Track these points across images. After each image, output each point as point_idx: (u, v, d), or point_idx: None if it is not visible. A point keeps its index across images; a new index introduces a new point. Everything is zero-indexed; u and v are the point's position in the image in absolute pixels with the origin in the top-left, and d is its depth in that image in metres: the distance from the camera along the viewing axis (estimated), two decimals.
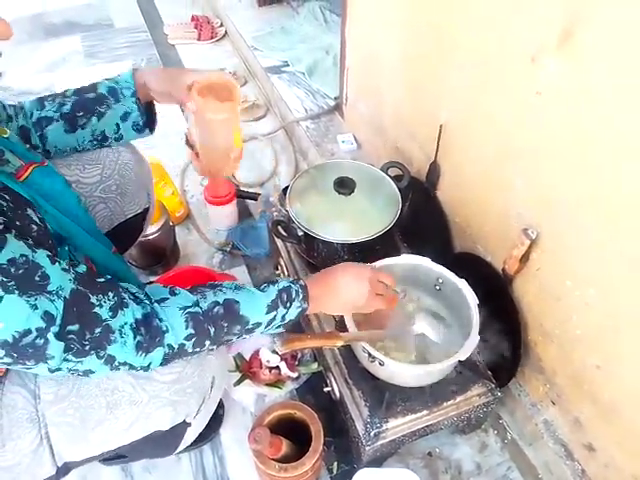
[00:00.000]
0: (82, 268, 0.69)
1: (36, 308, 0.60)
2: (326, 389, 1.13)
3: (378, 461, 1.11)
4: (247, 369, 1.26)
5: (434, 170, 1.27)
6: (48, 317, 0.61)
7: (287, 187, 1.55)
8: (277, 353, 1.28)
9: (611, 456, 0.97)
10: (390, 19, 1.32)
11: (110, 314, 0.67)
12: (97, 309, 0.66)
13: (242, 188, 1.76)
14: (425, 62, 1.21)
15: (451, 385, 1.06)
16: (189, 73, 0.94)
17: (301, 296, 0.83)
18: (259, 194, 1.63)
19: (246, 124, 2.04)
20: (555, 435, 1.09)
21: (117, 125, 0.98)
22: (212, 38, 2.47)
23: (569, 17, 0.77)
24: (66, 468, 0.83)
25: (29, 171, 0.75)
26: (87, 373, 0.69)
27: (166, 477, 1.15)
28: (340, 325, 1.14)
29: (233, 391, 1.24)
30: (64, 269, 0.65)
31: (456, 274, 1.08)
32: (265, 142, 1.95)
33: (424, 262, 1.10)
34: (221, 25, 2.55)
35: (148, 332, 0.71)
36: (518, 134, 0.95)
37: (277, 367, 1.27)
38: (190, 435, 0.95)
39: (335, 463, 1.16)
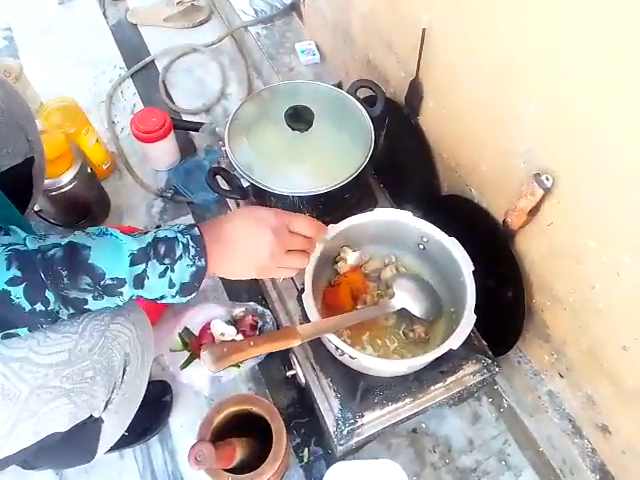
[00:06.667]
0: None
1: None
2: (289, 373, 0.94)
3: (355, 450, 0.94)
4: (197, 347, 1.05)
5: (415, 90, 0.98)
6: None
7: None
8: (233, 324, 1.08)
9: (631, 444, 0.81)
10: None
11: None
12: None
13: (183, 115, 1.46)
14: None
15: (439, 366, 0.87)
16: None
17: (193, 251, 0.59)
18: (201, 123, 1.32)
19: (184, 32, 1.67)
20: (561, 409, 0.93)
21: None
22: None
23: None
24: None
25: None
26: None
27: (107, 479, 0.99)
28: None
29: (181, 374, 1.04)
30: None
31: (445, 225, 0.86)
32: (209, 55, 1.60)
33: (404, 217, 0.86)
34: None
35: None
36: (529, 40, 0.68)
37: (233, 341, 1.06)
38: (109, 434, 0.74)
39: (306, 450, 1.00)
